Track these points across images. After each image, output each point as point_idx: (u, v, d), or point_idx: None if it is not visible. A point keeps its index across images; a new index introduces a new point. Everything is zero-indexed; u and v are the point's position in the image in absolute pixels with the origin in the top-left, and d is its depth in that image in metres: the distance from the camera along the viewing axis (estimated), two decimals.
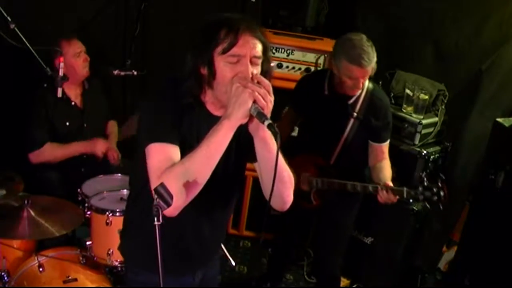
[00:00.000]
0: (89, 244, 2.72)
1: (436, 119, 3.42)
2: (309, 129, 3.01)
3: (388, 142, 2.86)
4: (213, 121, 1.65)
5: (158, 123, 1.64)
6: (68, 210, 2.70)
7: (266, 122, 1.52)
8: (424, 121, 3.32)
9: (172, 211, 1.53)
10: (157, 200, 1.45)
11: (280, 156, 1.59)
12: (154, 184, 1.54)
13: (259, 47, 1.63)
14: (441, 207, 2.63)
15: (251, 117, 1.58)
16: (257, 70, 1.63)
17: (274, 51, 3.54)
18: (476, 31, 3.36)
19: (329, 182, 2.83)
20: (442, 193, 2.57)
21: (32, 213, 2.56)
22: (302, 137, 3.14)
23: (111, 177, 3.15)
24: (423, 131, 3.33)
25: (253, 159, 1.74)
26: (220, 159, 1.61)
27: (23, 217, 2.52)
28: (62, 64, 2.59)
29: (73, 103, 3.21)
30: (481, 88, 3.31)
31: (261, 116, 1.54)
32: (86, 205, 2.73)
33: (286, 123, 3.04)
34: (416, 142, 3.33)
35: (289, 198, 1.76)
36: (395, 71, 3.66)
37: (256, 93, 1.53)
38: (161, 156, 1.60)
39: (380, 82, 3.60)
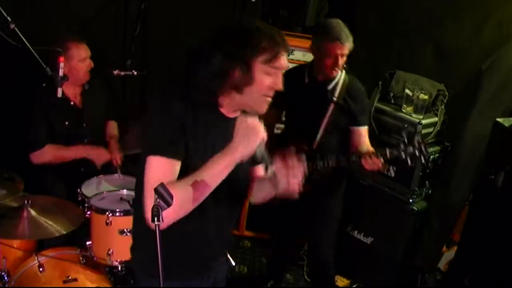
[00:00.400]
0: (89, 244, 2.72)
1: (436, 119, 3.42)
2: (292, 119, 3.16)
3: (367, 127, 3.00)
4: (229, 123, 1.70)
5: (161, 134, 1.62)
6: (68, 210, 2.70)
7: (269, 172, 1.62)
8: (424, 121, 3.31)
9: (163, 226, 1.52)
10: (157, 200, 1.45)
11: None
12: (147, 196, 1.56)
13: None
14: (424, 162, 2.74)
15: None
16: None
17: None
18: (476, 31, 3.35)
19: (313, 164, 2.91)
20: (423, 148, 2.64)
21: (32, 213, 2.56)
22: (286, 129, 3.26)
23: (111, 177, 3.16)
24: (423, 131, 3.33)
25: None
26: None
27: (23, 217, 2.53)
28: (62, 64, 2.58)
29: (72, 103, 3.21)
30: (481, 88, 3.30)
31: (265, 162, 1.62)
32: (86, 205, 2.73)
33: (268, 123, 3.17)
34: None
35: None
36: (395, 71, 3.66)
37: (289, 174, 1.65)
38: (159, 171, 1.60)
39: (380, 82, 3.61)
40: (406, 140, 2.66)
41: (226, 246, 2.06)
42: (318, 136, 2.97)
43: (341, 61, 2.80)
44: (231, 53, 1.62)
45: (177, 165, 1.62)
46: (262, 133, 1.59)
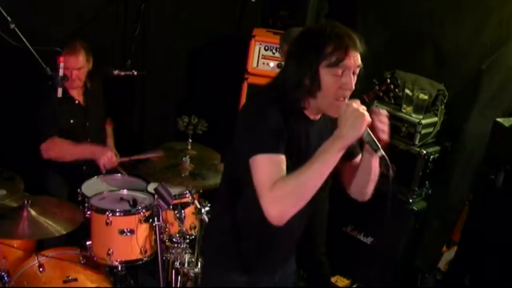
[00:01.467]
0: (89, 244, 2.72)
1: (435, 119, 3.42)
2: None
3: None
4: (312, 125, 1.78)
5: (264, 135, 1.64)
6: (68, 210, 2.70)
7: (379, 153, 1.62)
8: (423, 121, 3.31)
9: (279, 222, 1.57)
10: (157, 200, 1.46)
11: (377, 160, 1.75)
12: (263, 196, 1.57)
13: (359, 58, 1.70)
14: (397, 92, 3.24)
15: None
16: (355, 79, 1.70)
17: (274, 51, 3.55)
18: (476, 31, 3.35)
19: None
20: (392, 85, 3.17)
21: (32, 213, 2.56)
22: None
23: (111, 177, 3.16)
24: (423, 131, 3.33)
25: (348, 158, 1.82)
26: None
27: (23, 217, 2.53)
28: (62, 64, 2.59)
29: (76, 101, 3.24)
30: (481, 88, 3.30)
31: (372, 145, 1.61)
32: (86, 205, 2.73)
33: None
34: (416, 142, 3.32)
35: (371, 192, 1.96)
36: (395, 71, 3.66)
37: (376, 123, 1.64)
38: (270, 168, 1.61)
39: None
40: (377, 83, 3.18)
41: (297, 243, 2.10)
42: None
43: None
44: (299, 60, 1.67)
45: (284, 159, 1.63)
46: (367, 116, 1.58)
